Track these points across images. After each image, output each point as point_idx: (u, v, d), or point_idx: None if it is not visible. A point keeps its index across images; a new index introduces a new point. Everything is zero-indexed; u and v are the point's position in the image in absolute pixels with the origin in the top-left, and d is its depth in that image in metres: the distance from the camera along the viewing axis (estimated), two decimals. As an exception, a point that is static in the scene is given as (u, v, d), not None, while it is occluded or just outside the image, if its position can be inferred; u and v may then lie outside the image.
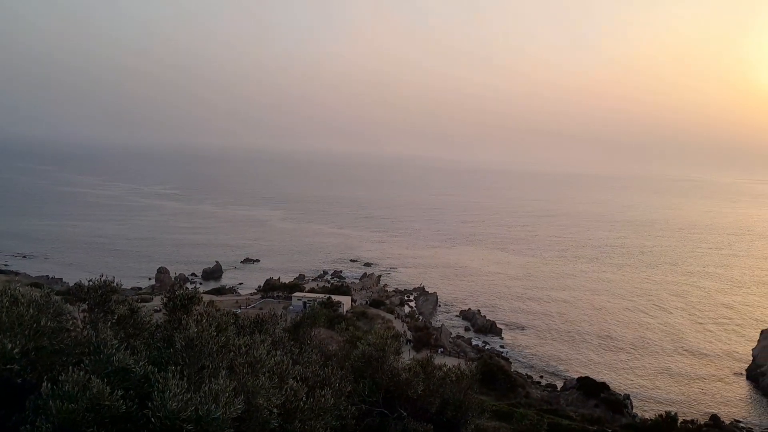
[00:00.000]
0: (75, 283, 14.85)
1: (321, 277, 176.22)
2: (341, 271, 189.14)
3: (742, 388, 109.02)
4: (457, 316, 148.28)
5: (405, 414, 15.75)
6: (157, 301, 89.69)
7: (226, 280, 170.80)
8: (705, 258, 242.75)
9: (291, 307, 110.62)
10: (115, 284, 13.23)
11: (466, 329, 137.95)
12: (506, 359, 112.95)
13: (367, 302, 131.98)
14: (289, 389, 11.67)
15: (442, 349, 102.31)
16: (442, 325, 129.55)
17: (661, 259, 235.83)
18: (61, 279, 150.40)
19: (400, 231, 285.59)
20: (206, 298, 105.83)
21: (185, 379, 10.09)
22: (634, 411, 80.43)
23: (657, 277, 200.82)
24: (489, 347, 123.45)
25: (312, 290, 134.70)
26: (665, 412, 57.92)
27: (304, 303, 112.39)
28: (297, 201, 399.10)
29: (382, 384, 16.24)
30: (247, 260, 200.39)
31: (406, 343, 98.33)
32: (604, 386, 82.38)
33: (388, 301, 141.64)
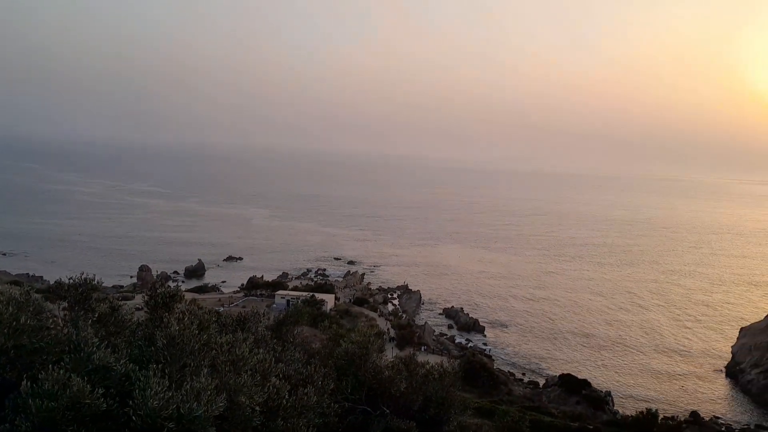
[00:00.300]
0: (55, 281, 14.75)
1: (304, 275, 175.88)
2: (325, 269, 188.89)
3: (721, 385, 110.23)
4: (440, 314, 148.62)
5: (388, 411, 15.79)
6: (138, 299, 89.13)
7: (209, 278, 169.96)
8: (686, 256, 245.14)
9: (274, 306, 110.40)
10: (95, 282, 13.14)
11: (450, 327, 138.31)
12: (489, 357, 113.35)
13: (350, 300, 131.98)
14: (271, 387, 11.67)
15: (425, 347, 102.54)
16: (426, 323, 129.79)
17: (642, 257, 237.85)
18: (41, 277, 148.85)
19: (384, 229, 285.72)
20: (188, 296, 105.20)
21: (167, 377, 10.05)
22: (615, 408, 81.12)
23: (638, 275, 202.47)
24: (472, 345, 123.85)
25: (295, 288, 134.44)
26: (646, 408, 58.48)
27: (288, 301, 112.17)
28: (283, 199, 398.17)
29: (365, 382, 16.27)
30: (230, 258, 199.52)
31: (390, 341, 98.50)
32: (585, 383, 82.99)
33: (371, 299, 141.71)
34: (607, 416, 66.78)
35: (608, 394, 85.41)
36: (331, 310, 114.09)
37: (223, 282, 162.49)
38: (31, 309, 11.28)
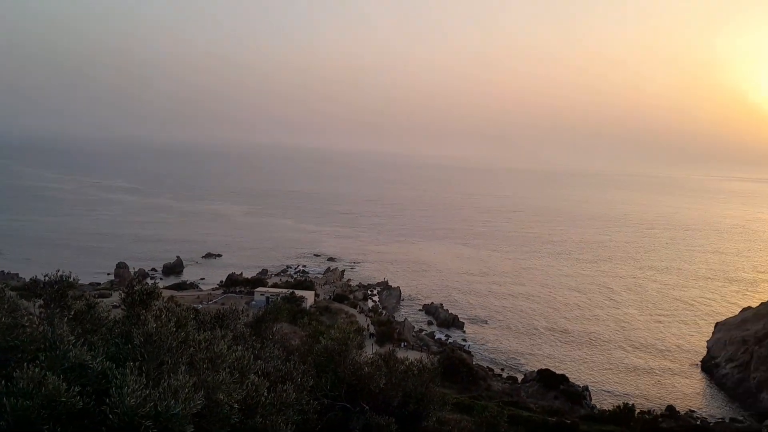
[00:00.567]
0: (31, 279, 14.56)
1: (284, 272, 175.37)
2: (304, 266, 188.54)
3: (697, 379, 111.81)
4: (420, 310, 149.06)
5: (367, 408, 15.80)
6: (116, 297, 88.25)
7: (187, 275, 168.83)
8: (661, 252, 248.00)
9: (253, 302, 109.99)
10: (72, 279, 12.99)
11: (429, 323, 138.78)
12: (468, 352, 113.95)
13: (330, 297, 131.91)
14: (250, 384, 11.62)
15: (405, 343, 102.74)
16: (405, 319, 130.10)
17: (618, 253, 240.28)
18: (17, 274, 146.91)
19: (364, 226, 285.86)
20: (167, 293, 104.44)
21: (144, 374, 9.98)
22: (592, 403, 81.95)
23: (614, 271, 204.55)
24: (451, 341, 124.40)
25: (275, 285, 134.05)
26: (623, 403, 59.09)
27: (267, 298, 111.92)
28: (262, 195, 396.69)
29: (345, 378, 16.26)
30: (208, 255, 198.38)
31: (369, 337, 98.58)
32: (563, 378, 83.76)
33: (351, 296, 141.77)
34: (584, 411, 67.45)
35: (586, 388, 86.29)
36: (310, 306, 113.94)
37: (202, 279, 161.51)
38: (5, 306, 11.13)
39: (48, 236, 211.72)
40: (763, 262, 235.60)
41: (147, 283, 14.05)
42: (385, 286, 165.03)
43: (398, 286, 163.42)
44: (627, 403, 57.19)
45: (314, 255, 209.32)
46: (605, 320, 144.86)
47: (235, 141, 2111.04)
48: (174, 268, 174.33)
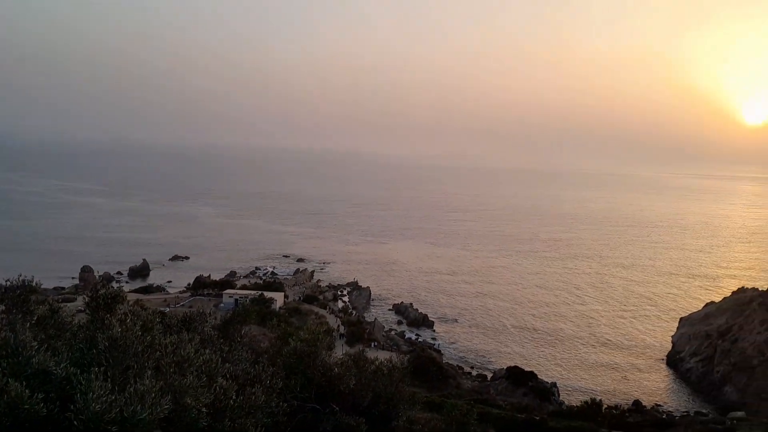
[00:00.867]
0: (-9, 284, 14.25)
1: (253, 273, 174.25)
2: (274, 267, 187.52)
3: (662, 374, 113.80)
4: (390, 309, 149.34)
5: (337, 409, 15.79)
6: (80, 301, 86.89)
7: (154, 278, 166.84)
8: (627, 249, 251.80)
9: (222, 305, 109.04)
10: (34, 284, 12.80)
11: (399, 323, 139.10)
12: (438, 351, 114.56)
13: (300, 298, 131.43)
14: (218, 387, 11.53)
15: (375, 343, 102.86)
16: (375, 319, 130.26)
17: (585, 251, 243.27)
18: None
19: (333, 226, 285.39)
20: (133, 296, 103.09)
21: (109, 380, 9.84)
22: (560, 399, 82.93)
23: (581, 268, 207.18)
24: (421, 340, 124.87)
25: (244, 287, 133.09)
26: (591, 398, 59.95)
27: (236, 300, 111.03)
28: (230, 196, 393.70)
29: (315, 380, 16.23)
30: (175, 258, 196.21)
31: (340, 338, 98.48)
32: (532, 375, 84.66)
33: (321, 297, 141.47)
34: (553, 407, 68.23)
35: (554, 385, 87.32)
36: (280, 308, 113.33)
37: (169, 282, 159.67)
38: (-36, 313, 10.90)
39: (11, 240, 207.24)
40: (725, 258, 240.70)
41: (112, 286, 13.85)
42: (354, 286, 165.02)
43: (368, 286, 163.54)
44: (594, 399, 58.03)
45: (283, 256, 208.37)
46: (572, 317, 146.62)
47: (221, 143, 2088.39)
48: (140, 271, 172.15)
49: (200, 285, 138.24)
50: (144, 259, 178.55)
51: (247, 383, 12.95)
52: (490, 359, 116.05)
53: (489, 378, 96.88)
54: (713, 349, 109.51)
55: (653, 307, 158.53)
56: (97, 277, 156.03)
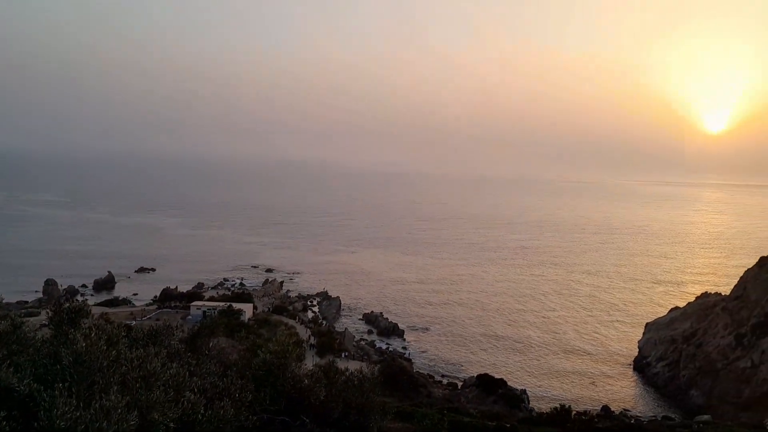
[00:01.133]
0: (-50, 300, 13.90)
1: (221, 284, 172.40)
2: (242, 278, 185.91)
3: (630, 379, 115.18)
4: (360, 319, 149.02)
5: (308, 421, 15.68)
6: (44, 316, 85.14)
7: (120, 291, 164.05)
8: (593, 256, 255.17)
9: (190, 317, 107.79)
10: (-5, 299, 12.50)
11: (370, 332, 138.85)
12: (409, 360, 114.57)
13: (269, 309, 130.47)
14: (186, 402, 11.38)
15: (345, 353, 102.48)
16: (346, 329, 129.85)
17: (551, 258, 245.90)
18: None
19: (302, 236, 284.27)
20: (98, 310, 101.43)
21: (74, 396, 9.65)
22: (530, 406, 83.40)
23: (547, 275, 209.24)
24: (392, 349, 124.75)
25: (212, 299, 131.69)
26: (560, 405, 60.35)
27: (204, 312, 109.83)
28: (196, 207, 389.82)
29: (285, 392, 16.10)
30: (141, 270, 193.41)
31: (310, 349, 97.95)
32: (502, 383, 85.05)
33: (291, 307, 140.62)
34: (523, 414, 68.55)
35: (524, 392, 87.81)
36: (249, 319, 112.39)
37: (135, 294, 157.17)
38: None
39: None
40: (689, 264, 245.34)
41: (77, 300, 13.59)
42: (324, 296, 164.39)
43: (338, 296, 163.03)
44: (564, 405, 58.41)
45: (252, 267, 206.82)
46: (540, 324, 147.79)
47: (187, 152, 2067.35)
48: (105, 284, 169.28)
49: (167, 297, 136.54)
50: (109, 272, 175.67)
51: (215, 397, 12.80)
52: (461, 367, 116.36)
53: (460, 386, 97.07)
54: (678, 353, 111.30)
55: (619, 313, 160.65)
56: (61, 290, 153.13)
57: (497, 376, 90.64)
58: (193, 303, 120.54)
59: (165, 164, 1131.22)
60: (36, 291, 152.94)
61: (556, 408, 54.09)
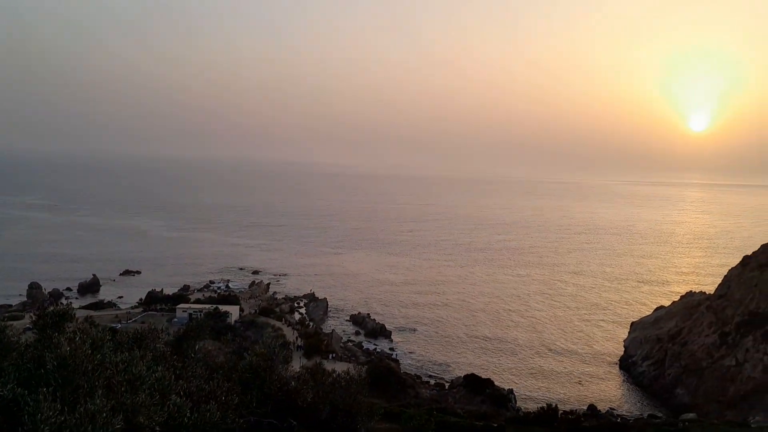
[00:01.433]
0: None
1: (207, 287, 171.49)
2: (229, 280, 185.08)
3: (616, 378, 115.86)
4: (347, 320, 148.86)
5: (295, 423, 15.63)
6: (28, 319, 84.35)
7: (105, 294, 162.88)
8: (579, 256, 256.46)
9: (175, 320, 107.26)
10: (-23, 303, 12.38)
11: (357, 333, 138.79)
12: (396, 361, 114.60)
13: (256, 311, 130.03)
14: (172, 405, 11.31)
15: (333, 355, 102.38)
16: (333, 330, 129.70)
17: (536, 258, 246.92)
18: None
19: (288, 238, 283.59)
20: (83, 313, 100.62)
21: (59, 400, 9.56)
22: (517, 405, 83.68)
23: (533, 276, 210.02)
24: (379, 350, 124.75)
25: (198, 301, 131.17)
26: (546, 404, 60.62)
27: (190, 315, 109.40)
28: (180, 209, 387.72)
29: (271, 394, 16.05)
30: (126, 272, 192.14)
31: (297, 350, 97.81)
32: (489, 382, 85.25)
33: (277, 309, 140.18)
34: (510, 413, 68.73)
35: (511, 391, 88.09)
36: (236, 321, 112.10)
37: (120, 297, 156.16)
38: None
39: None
40: (673, 263, 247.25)
41: (61, 303, 13.48)
42: (311, 297, 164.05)
43: (325, 298, 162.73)
44: (550, 404, 58.66)
45: (238, 269, 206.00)
46: (525, 325, 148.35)
47: (174, 155, 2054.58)
48: (90, 287, 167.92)
49: (153, 300, 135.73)
50: (94, 275, 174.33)
51: (201, 400, 12.74)
52: (448, 368, 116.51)
53: (447, 387, 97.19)
54: (664, 352, 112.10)
55: (605, 313, 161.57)
56: (45, 293, 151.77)
57: (484, 377, 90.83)
58: (179, 305, 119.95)
59: (148, 168, 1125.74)
60: (20, 295, 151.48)
61: (543, 407, 54.34)
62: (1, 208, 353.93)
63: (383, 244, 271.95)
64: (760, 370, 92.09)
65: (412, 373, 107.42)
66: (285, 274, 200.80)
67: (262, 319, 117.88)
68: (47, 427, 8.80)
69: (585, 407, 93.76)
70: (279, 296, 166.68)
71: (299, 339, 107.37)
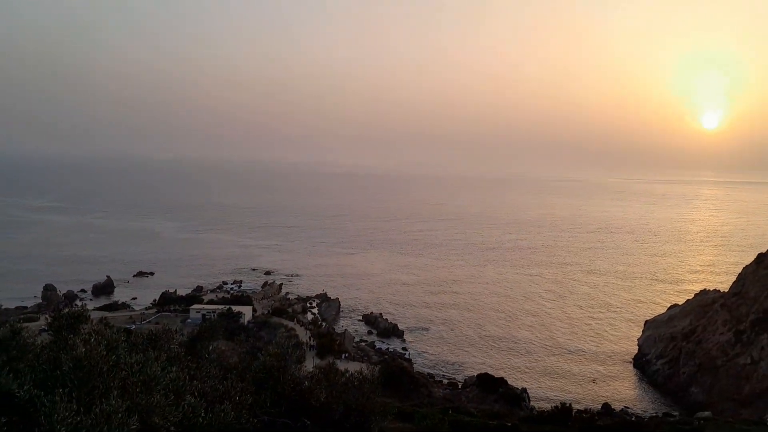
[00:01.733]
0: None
1: (220, 288, 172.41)
2: (241, 281, 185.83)
3: (630, 376, 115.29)
4: (359, 320, 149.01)
5: (309, 423, 15.68)
6: (43, 321, 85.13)
7: (119, 295, 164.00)
8: (592, 255, 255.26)
9: (189, 320, 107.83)
10: (-6, 305, 12.50)
11: (370, 333, 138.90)
12: (409, 360, 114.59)
13: (269, 311, 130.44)
14: (186, 406, 11.37)
15: (345, 354, 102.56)
16: (345, 330, 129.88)
17: (551, 258, 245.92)
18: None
19: (299, 238, 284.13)
20: (97, 314, 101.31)
21: (74, 401, 9.64)
22: (531, 404, 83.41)
23: (548, 275, 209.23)
24: (392, 350, 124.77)
25: (211, 302, 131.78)
26: (560, 403, 60.40)
27: (203, 315, 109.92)
28: (191, 210, 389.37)
29: (285, 394, 16.10)
30: (140, 274, 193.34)
31: (310, 350, 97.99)
32: (502, 382, 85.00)
33: (290, 309, 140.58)
34: (524, 412, 68.55)
35: (524, 390, 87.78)
36: (249, 322, 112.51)
37: (134, 299, 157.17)
38: None
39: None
40: (687, 261, 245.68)
41: (76, 305, 13.60)
42: (324, 298, 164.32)
43: (337, 298, 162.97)
44: (564, 403, 58.44)
45: (251, 269, 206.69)
46: (538, 324, 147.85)
47: (186, 156, 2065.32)
48: (104, 289, 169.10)
49: (166, 301, 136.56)
50: (108, 276, 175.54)
51: (216, 400, 12.79)
52: (461, 367, 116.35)
53: (460, 386, 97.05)
54: (678, 350, 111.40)
55: (618, 311, 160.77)
56: (60, 295, 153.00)
57: (497, 376, 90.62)
58: (193, 306, 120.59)
59: (161, 169, 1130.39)
60: (35, 296, 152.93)
61: (556, 406, 54.08)
62: (14, 211, 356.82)
63: (395, 244, 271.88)
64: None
65: (425, 373, 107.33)
66: (297, 275, 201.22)
67: (275, 319, 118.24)
68: (63, 428, 8.87)
69: (599, 406, 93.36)
70: (291, 296, 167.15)
71: (312, 339, 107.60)
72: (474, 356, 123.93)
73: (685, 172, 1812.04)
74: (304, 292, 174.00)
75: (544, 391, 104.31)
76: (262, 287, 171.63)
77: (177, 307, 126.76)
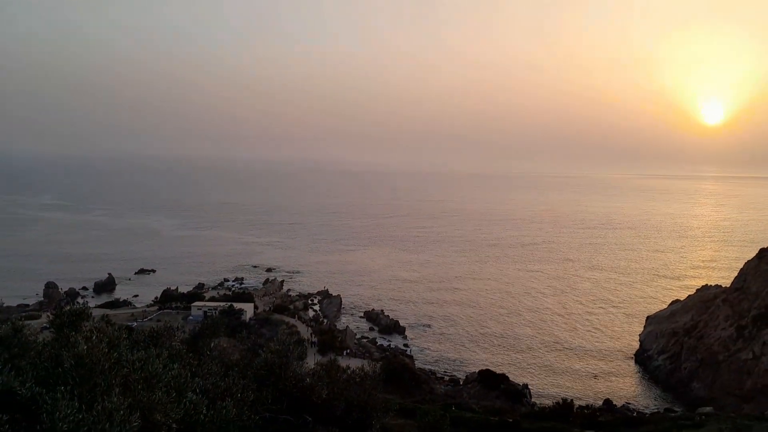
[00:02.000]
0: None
1: (222, 285, 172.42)
2: (243, 278, 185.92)
3: (631, 372, 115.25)
4: (361, 317, 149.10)
5: (310, 419, 15.70)
6: (45, 318, 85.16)
7: (120, 293, 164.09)
8: (593, 250, 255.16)
9: (191, 317, 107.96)
10: (-5, 303, 12.52)
11: (371, 329, 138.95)
12: (410, 357, 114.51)
13: (270, 308, 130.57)
14: (188, 402, 11.39)
15: (347, 351, 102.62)
16: (347, 327, 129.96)
17: (553, 254, 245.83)
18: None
19: (301, 235, 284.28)
20: (99, 312, 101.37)
21: (76, 398, 9.66)
22: (532, 400, 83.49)
23: (549, 271, 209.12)
24: (393, 346, 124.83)
25: (212, 299, 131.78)
26: (562, 399, 60.42)
27: (205, 312, 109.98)
28: (192, 208, 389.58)
29: (286, 391, 16.12)
30: (141, 271, 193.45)
31: (311, 347, 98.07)
32: (504, 378, 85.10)
33: (291, 306, 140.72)
34: (525, 408, 68.59)
35: (525, 386, 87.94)
36: (250, 319, 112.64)
37: (136, 296, 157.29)
38: None
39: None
40: (688, 256, 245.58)
41: (78, 302, 13.62)
42: (325, 294, 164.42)
43: (338, 294, 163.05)
44: (566, 399, 58.46)
45: (252, 267, 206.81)
46: (539, 320, 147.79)
47: (188, 154, 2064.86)
48: (106, 286, 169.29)
49: (168, 298, 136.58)
50: (109, 274, 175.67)
51: (217, 397, 12.82)
52: (462, 364, 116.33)
53: (461, 382, 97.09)
54: (680, 346, 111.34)
55: (619, 307, 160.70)
56: (61, 293, 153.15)
57: (499, 372, 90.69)
58: (194, 303, 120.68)
59: (161, 167, 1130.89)
60: (36, 294, 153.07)
61: (558, 402, 54.12)
62: (16, 209, 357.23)
63: (396, 241, 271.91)
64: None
65: (427, 369, 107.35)
66: (299, 272, 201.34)
67: (277, 316, 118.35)
68: (65, 425, 8.89)
69: (601, 402, 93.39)
70: (293, 293, 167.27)
71: (313, 336, 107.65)
72: (475, 352, 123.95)
73: (687, 167, 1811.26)
74: (306, 289, 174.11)
75: (545, 387, 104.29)
76: (264, 284, 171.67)
77: (178, 304, 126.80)
